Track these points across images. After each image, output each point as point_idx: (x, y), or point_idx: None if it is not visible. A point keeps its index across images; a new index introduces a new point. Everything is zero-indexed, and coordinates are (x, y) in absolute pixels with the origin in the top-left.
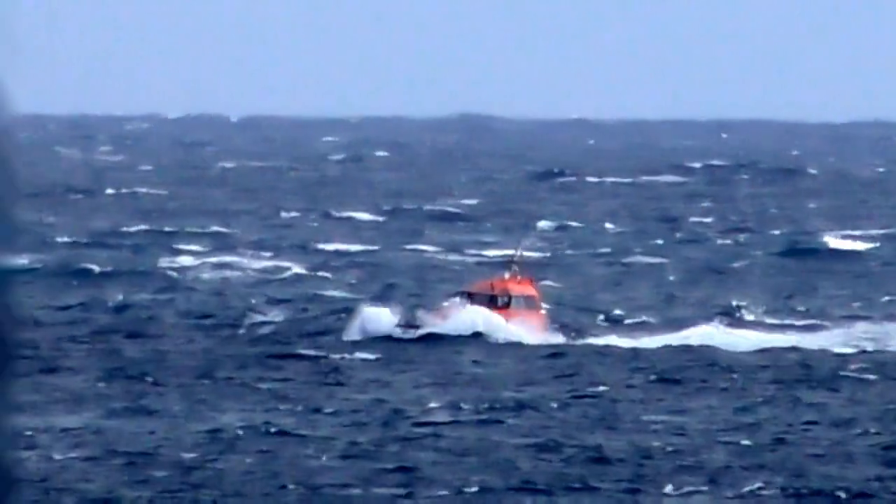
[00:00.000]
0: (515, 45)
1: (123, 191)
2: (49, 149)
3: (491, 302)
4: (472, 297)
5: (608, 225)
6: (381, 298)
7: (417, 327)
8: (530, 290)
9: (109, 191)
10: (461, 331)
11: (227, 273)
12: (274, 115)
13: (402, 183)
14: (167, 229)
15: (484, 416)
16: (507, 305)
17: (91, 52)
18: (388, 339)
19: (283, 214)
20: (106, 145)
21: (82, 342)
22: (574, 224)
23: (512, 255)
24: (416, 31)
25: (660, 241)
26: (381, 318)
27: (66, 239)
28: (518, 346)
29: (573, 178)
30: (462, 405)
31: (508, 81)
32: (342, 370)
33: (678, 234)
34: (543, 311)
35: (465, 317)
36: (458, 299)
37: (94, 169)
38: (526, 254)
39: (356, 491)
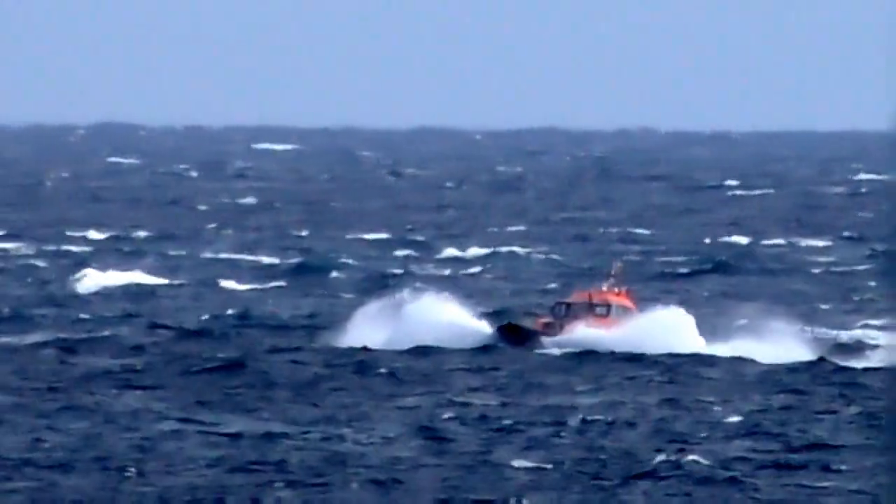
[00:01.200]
0: (658, 59)
1: (288, 205)
2: (224, 161)
3: (590, 310)
4: (569, 307)
5: (789, 234)
6: (510, 306)
7: (521, 332)
8: (627, 302)
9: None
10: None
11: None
12: (449, 128)
13: (566, 196)
14: (349, 237)
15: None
16: (606, 315)
17: (287, 68)
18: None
19: (453, 225)
20: (288, 157)
21: (277, 346)
22: (751, 235)
23: (611, 268)
24: (565, 47)
25: (845, 250)
26: (482, 324)
27: (220, 255)
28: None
29: (741, 190)
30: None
31: (649, 95)
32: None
33: (861, 244)
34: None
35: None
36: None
37: (268, 178)
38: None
39: None
